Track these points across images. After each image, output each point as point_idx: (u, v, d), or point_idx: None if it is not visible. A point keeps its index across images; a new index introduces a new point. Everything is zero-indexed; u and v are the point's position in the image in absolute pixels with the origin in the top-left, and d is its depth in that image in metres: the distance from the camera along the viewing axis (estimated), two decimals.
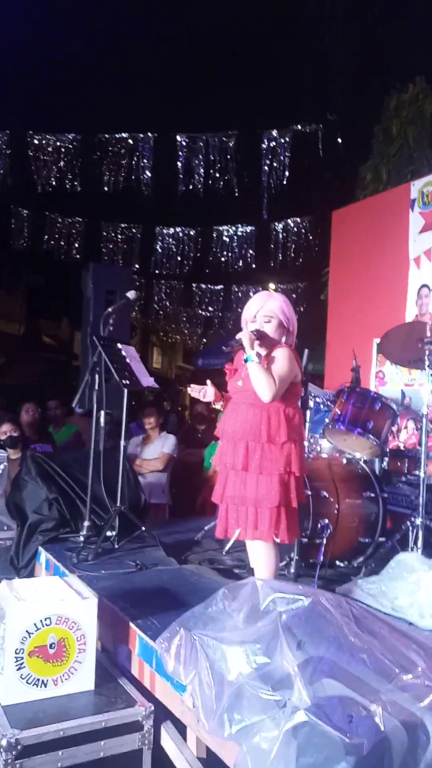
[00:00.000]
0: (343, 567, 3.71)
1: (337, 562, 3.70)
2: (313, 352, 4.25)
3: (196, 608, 1.88)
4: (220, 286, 16.79)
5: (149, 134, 9.69)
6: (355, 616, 1.61)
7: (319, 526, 3.44)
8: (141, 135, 9.71)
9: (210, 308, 17.63)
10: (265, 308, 2.80)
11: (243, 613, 1.65)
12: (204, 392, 2.96)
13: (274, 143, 8.88)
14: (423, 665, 1.54)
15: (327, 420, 3.92)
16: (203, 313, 17.90)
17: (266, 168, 9.01)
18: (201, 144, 9.29)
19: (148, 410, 5.77)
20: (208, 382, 2.97)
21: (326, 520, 3.46)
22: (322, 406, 4.15)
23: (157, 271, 13.17)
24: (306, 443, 3.74)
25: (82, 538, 3.73)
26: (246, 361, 2.71)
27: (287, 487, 2.70)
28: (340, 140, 9.39)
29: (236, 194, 9.83)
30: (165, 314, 19.39)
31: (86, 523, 3.79)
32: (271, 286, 15.98)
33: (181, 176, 9.57)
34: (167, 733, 2.31)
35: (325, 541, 3.40)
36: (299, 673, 1.38)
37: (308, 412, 3.92)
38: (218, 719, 1.49)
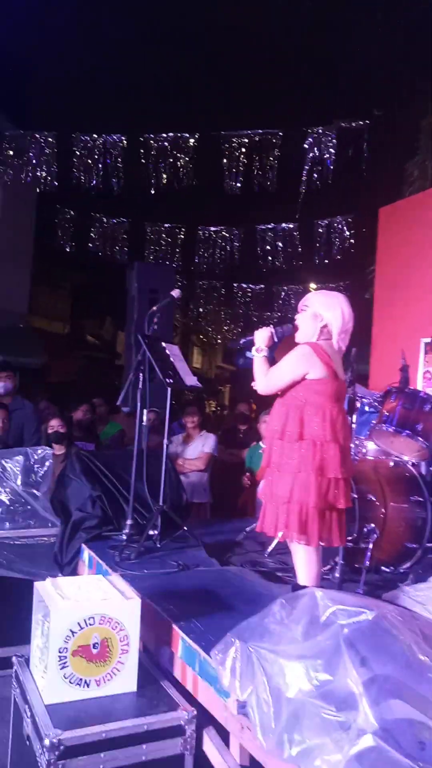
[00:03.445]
0: (389, 572, 3.60)
1: (383, 568, 3.60)
2: (357, 352, 4.15)
3: (252, 619, 1.81)
4: (260, 286, 16.69)
5: (192, 134, 9.68)
6: (423, 633, 1.51)
7: (364, 530, 3.35)
8: (185, 134, 9.70)
9: (250, 308, 17.55)
10: (306, 300, 2.90)
11: (302, 625, 1.56)
12: None
13: (318, 140, 8.75)
14: None
15: (373, 421, 3.82)
16: (244, 312, 17.83)
17: (310, 165, 8.89)
18: (244, 142, 9.23)
19: (190, 409, 5.75)
20: None
21: (372, 524, 3.37)
22: (367, 407, 4.05)
23: (198, 271, 13.17)
24: (352, 445, 3.65)
25: (124, 537, 3.72)
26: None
27: (305, 487, 2.63)
28: (385, 135, 9.20)
29: (279, 192, 9.73)
30: (205, 314, 19.41)
31: (129, 522, 3.78)
32: (312, 285, 15.80)
33: (224, 175, 9.52)
34: (209, 739, 2.27)
35: (371, 545, 3.31)
36: (364, 693, 1.29)
37: (354, 414, 3.82)
38: (277, 739, 1.41)
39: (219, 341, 25.44)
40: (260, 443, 5.60)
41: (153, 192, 9.93)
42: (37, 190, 10.84)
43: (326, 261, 11.64)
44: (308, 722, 1.36)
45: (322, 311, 2.79)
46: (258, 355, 2.92)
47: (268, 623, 1.73)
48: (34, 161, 9.95)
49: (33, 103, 12.13)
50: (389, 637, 1.45)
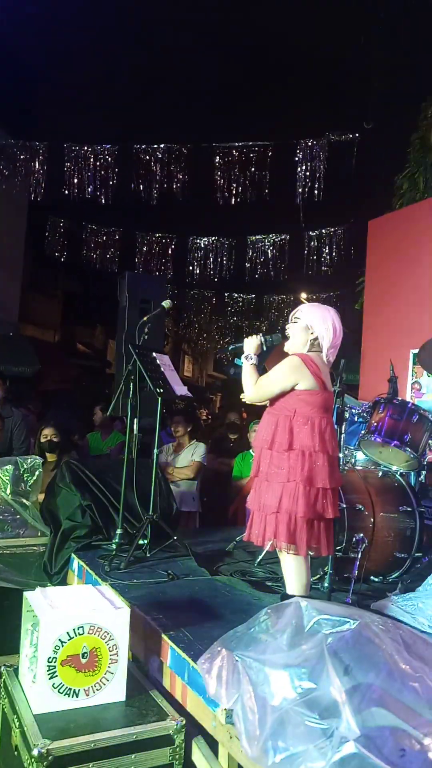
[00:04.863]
0: (378, 582, 3.63)
1: (372, 577, 3.62)
2: (346, 363, 4.19)
3: (239, 628, 1.82)
4: (251, 296, 16.79)
5: (184, 144, 9.74)
6: (405, 642, 1.53)
7: (353, 539, 3.37)
8: (176, 145, 9.76)
9: (241, 317, 17.65)
10: (298, 311, 2.91)
11: (286, 634, 1.57)
12: None
13: (309, 152, 8.84)
14: None
15: (362, 432, 3.85)
16: (235, 322, 17.92)
17: (301, 177, 8.96)
18: (236, 153, 9.30)
19: (177, 418, 5.76)
20: None
21: (361, 534, 3.39)
22: (356, 418, 4.09)
23: (190, 281, 13.23)
24: (341, 455, 3.68)
25: (114, 546, 3.72)
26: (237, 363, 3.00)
27: (293, 496, 2.66)
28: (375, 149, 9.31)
29: (271, 204, 9.80)
30: (197, 323, 19.49)
31: (118, 531, 3.78)
32: (303, 295, 15.90)
33: (216, 186, 9.58)
34: (198, 749, 2.27)
35: (359, 555, 3.33)
36: (347, 701, 1.31)
37: (343, 424, 3.85)
38: (261, 746, 1.42)
39: (210, 349, 25.53)
40: (250, 452, 5.63)
41: (145, 202, 9.98)
42: (30, 198, 10.85)
43: (317, 272, 11.71)
44: (292, 730, 1.37)
45: (314, 324, 2.82)
46: (247, 363, 2.94)
47: (254, 632, 1.74)
48: (26, 170, 9.98)
49: (26, 112, 12.17)
50: (372, 646, 1.47)
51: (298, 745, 1.34)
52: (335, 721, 1.32)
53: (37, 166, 9.80)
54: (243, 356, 2.95)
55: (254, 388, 2.86)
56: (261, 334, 3.01)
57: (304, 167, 8.92)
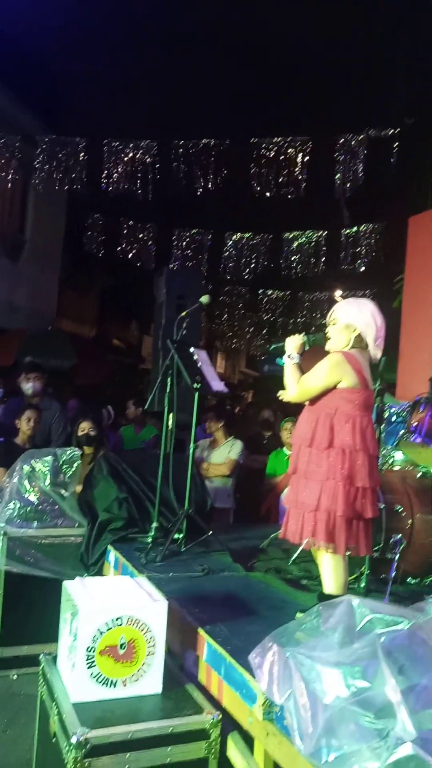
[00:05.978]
0: (415, 584, 3.57)
1: (409, 579, 3.57)
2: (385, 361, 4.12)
3: (290, 624, 1.82)
4: (286, 293, 16.69)
5: (222, 140, 9.71)
6: None
7: (391, 540, 3.33)
8: (213, 141, 9.74)
9: (275, 314, 17.57)
10: (336, 312, 2.87)
11: (338, 633, 1.56)
12: None
13: (348, 148, 8.74)
14: None
15: (402, 431, 3.80)
16: (269, 318, 17.84)
17: (340, 173, 8.87)
18: (274, 148, 9.24)
19: (208, 415, 5.77)
20: None
21: (399, 535, 3.34)
22: (394, 417, 4.03)
23: (224, 277, 13.22)
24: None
25: (150, 539, 3.75)
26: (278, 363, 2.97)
27: (333, 495, 2.63)
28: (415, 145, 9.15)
29: (308, 200, 9.72)
30: (230, 319, 19.47)
31: (154, 524, 3.81)
32: (338, 292, 15.73)
33: (253, 181, 9.54)
34: (234, 744, 2.27)
35: (397, 556, 3.28)
36: (403, 701, 1.29)
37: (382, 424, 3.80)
38: (315, 744, 1.41)
39: (243, 346, 25.46)
40: (284, 450, 5.60)
41: (182, 197, 10.00)
42: (70, 194, 10.97)
43: (352, 269, 11.58)
44: (345, 728, 1.36)
45: (354, 321, 2.78)
46: (289, 362, 2.92)
47: (305, 629, 1.74)
48: (65, 165, 10.08)
49: (66, 107, 12.30)
50: (426, 646, 1.45)
51: (353, 744, 1.33)
52: (390, 722, 1.30)
53: (76, 162, 9.89)
54: (285, 355, 2.93)
55: (297, 387, 2.83)
56: (304, 333, 2.98)
57: (343, 163, 8.82)
